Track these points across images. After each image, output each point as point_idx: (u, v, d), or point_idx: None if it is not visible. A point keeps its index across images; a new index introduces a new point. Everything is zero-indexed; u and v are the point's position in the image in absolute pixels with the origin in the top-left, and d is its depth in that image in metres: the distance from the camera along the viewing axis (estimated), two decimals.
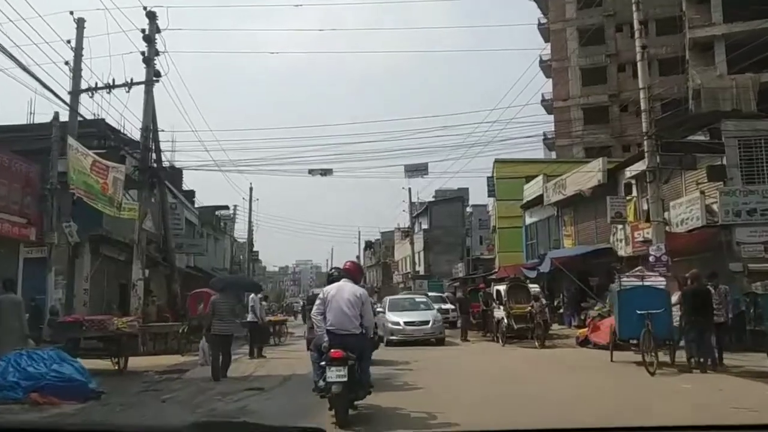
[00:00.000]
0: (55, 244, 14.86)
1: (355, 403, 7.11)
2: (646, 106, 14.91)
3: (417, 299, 21.37)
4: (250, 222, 45.26)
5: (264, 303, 18.74)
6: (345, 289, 7.18)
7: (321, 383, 6.84)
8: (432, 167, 28.48)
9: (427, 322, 18.14)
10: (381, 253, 66.92)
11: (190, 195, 32.32)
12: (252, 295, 16.90)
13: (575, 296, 21.88)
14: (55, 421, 6.26)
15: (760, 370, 10.37)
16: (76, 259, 16.98)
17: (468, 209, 52.73)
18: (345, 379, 6.61)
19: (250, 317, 15.85)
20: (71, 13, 15.60)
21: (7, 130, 17.73)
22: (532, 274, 23.22)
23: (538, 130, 41.34)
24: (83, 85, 15.81)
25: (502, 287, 18.87)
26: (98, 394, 8.16)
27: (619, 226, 19.55)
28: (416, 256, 50.84)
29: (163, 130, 18.86)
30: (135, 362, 12.36)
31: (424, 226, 53.61)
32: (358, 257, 58.10)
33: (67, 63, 15.46)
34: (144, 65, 17.23)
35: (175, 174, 25.96)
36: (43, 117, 17.42)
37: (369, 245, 70.50)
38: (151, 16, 17.14)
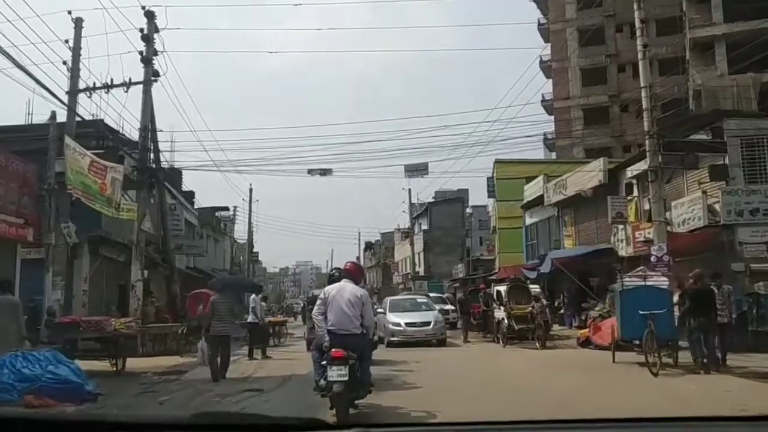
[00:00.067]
0: (52, 245, 14.77)
1: (356, 402, 7.18)
2: (648, 105, 14.82)
3: (418, 300, 21.24)
4: (250, 223, 45.25)
5: (264, 304, 18.68)
6: (346, 289, 7.25)
7: (322, 382, 6.91)
8: (432, 167, 28.44)
9: (428, 323, 17.99)
10: (381, 254, 66.83)
11: (190, 196, 32.26)
12: (253, 296, 16.86)
13: (576, 297, 21.80)
14: (57, 414, 6.20)
15: (764, 371, 10.28)
16: (75, 260, 16.92)
17: (468, 210, 52.66)
18: (346, 379, 6.68)
19: (250, 318, 15.77)
20: (69, 12, 15.55)
21: (5, 131, 17.65)
22: (533, 275, 23.13)
23: (539, 130, 41.24)
24: (81, 85, 15.75)
25: (502, 288, 18.78)
26: (95, 396, 8.07)
27: (620, 227, 19.46)
28: (416, 256, 50.75)
29: (161, 131, 18.80)
30: (133, 363, 12.27)
31: (424, 226, 53.53)
32: (358, 258, 57.97)
33: (65, 63, 15.40)
34: (142, 65, 17.16)
35: (175, 175, 25.90)
36: (41, 117, 17.37)
37: (369, 246, 70.40)
38: (150, 15, 17.06)
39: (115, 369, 11.54)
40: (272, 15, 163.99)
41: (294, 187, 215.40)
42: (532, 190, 27.85)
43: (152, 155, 17.97)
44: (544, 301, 18.49)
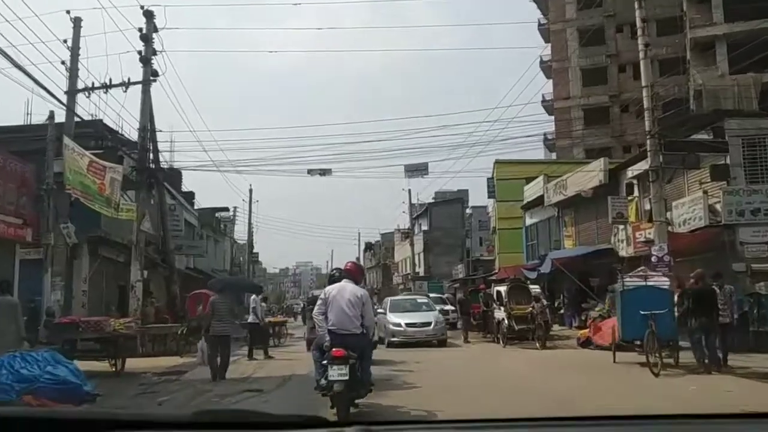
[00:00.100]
0: (51, 245, 14.72)
1: (356, 401, 7.23)
2: (649, 104, 14.77)
3: (419, 300, 21.17)
4: (249, 223, 45.21)
5: (264, 304, 18.65)
6: (346, 289, 7.31)
7: (323, 381, 6.98)
8: (432, 167, 28.40)
9: (429, 324, 17.91)
10: (381, 255, 66.76)
11: (190, 196, 32.22)
12: (253, 296, 16.85)
13: (576, 297, 21.77)
14: (57, 412, 6.15)
15: (766, 371, 10.23)
16: (74, 261, 16.88)
17: (468, 211, 52.63)
18: (346, 378, 6.73)
19: (251, 318, 15.74)
20: (68, 12, 15.50)
21: (3, 131, 17.60)
22: (533, 275, 23.09)
23: (539, 129, 41.21)
24: (80, 85, 15.71)
25: (502, 288, 18.74)
26: (93, 397, 8.01)
27: (621, 227, 19.42)
28: (416, 257, 50.71)
29: (160, 131, 18.77)
30: (133, 364, 12.23)
31: (424, 227, 53.49)
32: (357, 258, 57.92)
33: (63, 63, 15.36)
34: (141, 65, 17.12)
35: (174, 175, 25.86)
36: (40, 117, 17.29)
37: (369, 246, 70.35)
38: (149, 15, 17.03)
39: (114, 369, 11.51)
40: (272, 15, 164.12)
41: (294, 188, 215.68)
42: (532, 191, 27.81)
43: (151, 155, 17.93)
44: (545, 302, 18.44)
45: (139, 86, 17.03)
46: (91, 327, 11.38)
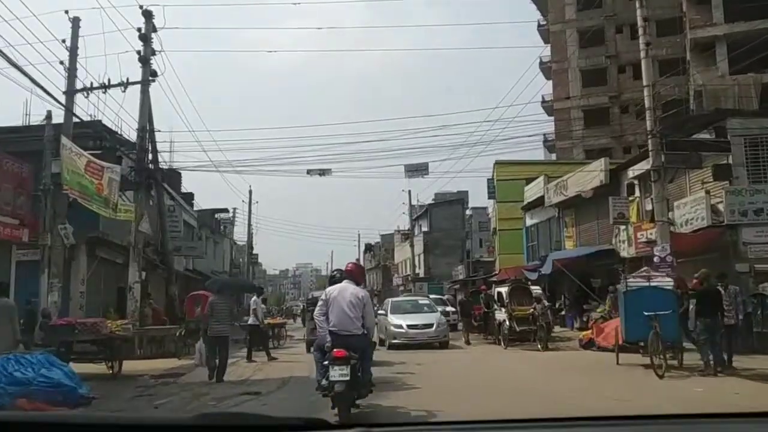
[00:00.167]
0: (48, 246, 14.59)
1: (357, 401, 7.28)
2: (651, 104, 14.67)
3: (420, 301, 20.91)
4: (249, 225, 45.11)
5: (263, 306, 18.51)
6: (347, 290, 7.36)
7: (324, 382, 7.03)
8: (432, 167, 28.21)
9: (430, 325, 17.67)
10: (381, 256, 66.65)
11: (189, 197, 32.11)
12: (254, 297, 16.71)
13: (577, 298, 21.66)
14: (53, 416, 6.06)
15: None
16: (72, 262, 16.75)
17: (468, 212, 52.55)
18: (347, 378, 6.78)
19: (251, 320, 15.57)
20: (66, 12, 15.38)
21: (1, 131, 17.48)
22: (533, 276, 22.98)
23: (540, 130, 41.11)
24: (78, 85, 15.57)
25: (503, 289, 18.59)
26: (88, 400, 7.88)
27: (622, 227, 19.31)
28: (416, 258, 50.61)
29: (159, 131, 18.64)
30: (131, 366, 12.12)
31: (424, 228, 53.39)
32: (357, 260, 57.78)
33: (62, 62, 15.23)
34: (140, 65, 17.01)
35: (174, 176, 25.75)
36: (39, 118, 17.15)
37: (369, 248, 70.24)
38: (147, 14, 16.92)
39: (111, 372, 11.38)
40: (271, 14, 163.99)
41: (294, 189, 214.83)
42: (532, 191, 27.72)
43: (150, 156, 17.81)
44: (546, 303, 18.29)
45: (138, 86, 16.92)
46: (87, 329, 11.25)
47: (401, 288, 50.25)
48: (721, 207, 15.04)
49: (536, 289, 19.28)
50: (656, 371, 10.12)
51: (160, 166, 18.88)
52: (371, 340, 8.99)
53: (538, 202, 26.55)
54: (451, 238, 49.48)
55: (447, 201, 54.22)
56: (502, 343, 17.27)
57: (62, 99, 14.92)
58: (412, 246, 50.01)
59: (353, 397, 7.08)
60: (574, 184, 22.78)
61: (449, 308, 25.91)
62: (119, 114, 40.01)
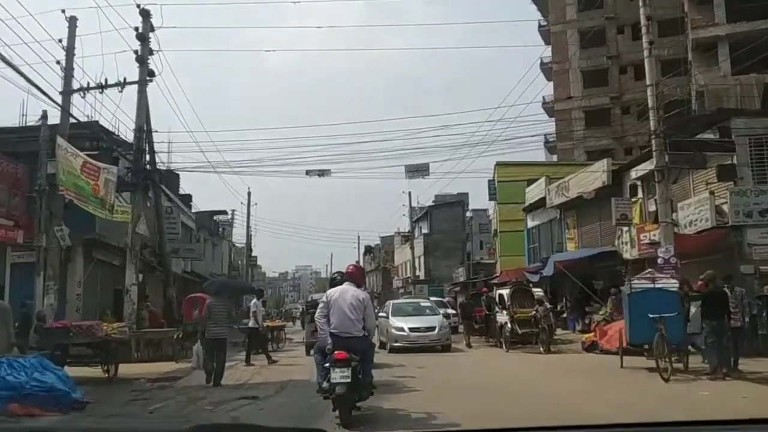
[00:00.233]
0: (43, 248, 14.41)
1: (358, 404, 7.27)
2: (654, 103, 14.49)
3: (422, 304, 20.60)
4: (248, 227, 44.93)
5: (263, 308, 18.32)
6: (348, 292, 7.37)
7: (325, 384, 7.08)
8: (433, 168, 28.05)
9: (432, 328, 17.38)
10: (381, 258, 66.53)
11: (187, 199, 31.93)
12: (254, 300, 16.51)
13: (579, 300, 21.49)
14: (49, 421, 5.96)
15: None
16: (69, 264, 16.58)
17: (468, 214, 52.42)
18: (348, 380, 6.80)
19: (251, 323, 15.34)
20: (63, 11, 15.22)
21: None
22: (535, 278, 22.82)
23: (541, 130, 40.99)
24: (75, 85, 15.40)
25: (505, 291, 18.41)
26: (82, 405, 7.72)
27: (624, 229, 19.12)
28: (416, 260, 50.45)
29: (156, 131, 18.48)
30: (127, 369, 11.96)
31: (425, 230, 53.25)
32: (357, 262, 57.63)
33: (58, 62, 15.06)
34: (137, 64, 16.84)
35: (172, 178, 25.56)
36: (35, 118, 17.00)
37: (369, 250, 70.14)
38: (145, 14, 16.76)
39: (107, 375, 11.21)
40: (270, 14, 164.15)
41: (293, 190, 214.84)
42: (533, 193, 27.56)
43: (147, 156, 17.64)
44: (548, 305, 18.11)
45: (136, 86, 16.76)
46: (82, 332, 11.09)
47: (401, 290, 50.08)
48: (725, 208, 14.85)
49: (538, 291, 19.10)
50: (661, 375, 9.94)
51: (158, 167, 18.72)
52: (371, 342, 8.91)
53: (540, 204, 26.39)
54: (451, 240, 49.34)
55: (447, 203, 54.12)
56: (504, 346, 17.08)
57: (59, 99, 14.76)
58: (412, 248, 49.85)
59: (354, 399, 7.07)
60: (576, 185, 22.61)
61: (450, 311, 25.69)
62: (116, 114, 39.73)
